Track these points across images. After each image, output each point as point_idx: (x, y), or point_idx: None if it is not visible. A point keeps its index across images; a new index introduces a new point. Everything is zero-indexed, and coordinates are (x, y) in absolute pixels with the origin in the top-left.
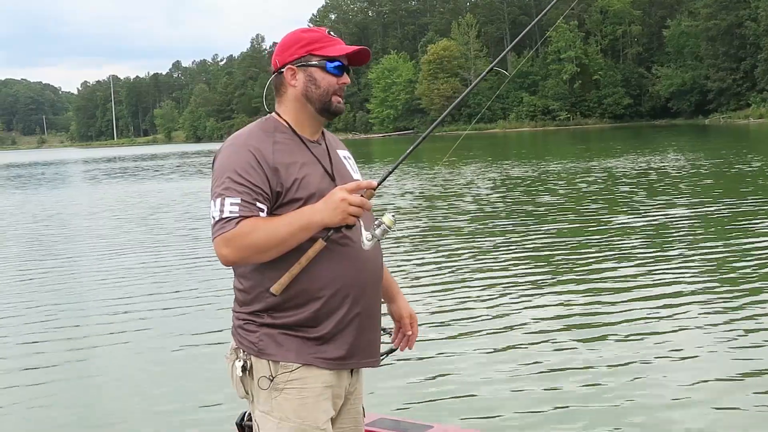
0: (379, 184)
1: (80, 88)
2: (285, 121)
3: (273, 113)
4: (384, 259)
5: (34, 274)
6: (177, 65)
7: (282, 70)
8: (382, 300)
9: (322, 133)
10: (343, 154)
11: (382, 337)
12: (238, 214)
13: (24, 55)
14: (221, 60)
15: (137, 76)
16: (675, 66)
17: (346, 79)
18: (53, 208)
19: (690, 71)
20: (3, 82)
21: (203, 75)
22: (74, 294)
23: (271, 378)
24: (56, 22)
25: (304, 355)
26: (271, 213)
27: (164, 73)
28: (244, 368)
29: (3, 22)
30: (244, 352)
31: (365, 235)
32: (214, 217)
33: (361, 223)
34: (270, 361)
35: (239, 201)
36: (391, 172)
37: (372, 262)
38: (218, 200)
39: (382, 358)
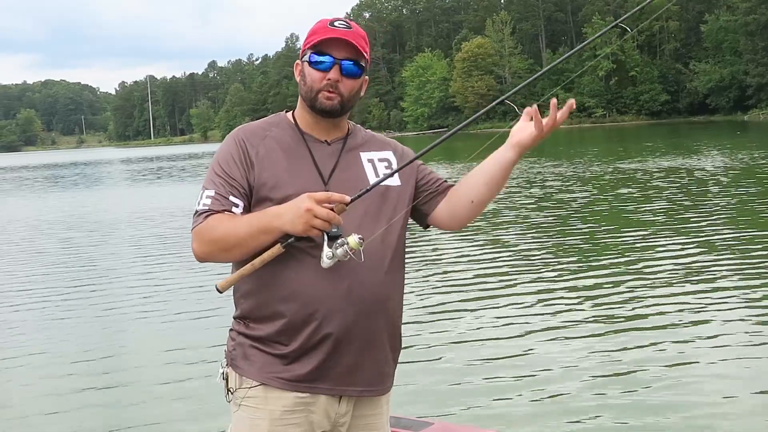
0: (353, 200)
1: (118, 89)
2: (294, 117)
3: (285, 110)
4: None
5: (76, 281)
6: (212, 65)
7: None
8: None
9: (347, 132)
10: (372, 156)
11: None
12: (208, 208)
13: (63, 56)
14: (256, 60)
15: (173, 76)
16: (713, 61)
17: (332, 74)
18: (95, 212)
19: (728, 67)
20: (43, 83)
21: (238, 75)
22: (118, 301)
23: (233, 391)
24: (94, 23)
25: (264, 374)
26: (249, 211)
27: (200, 73)
28: (223, 375)
29: (43, 24)
30: (225, 358)
31: (326, 252)
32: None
33: (326, 237)
34: (237, 374)
35: (213, 194)
36: (370, 189)
37: (358, 277)
38: (201, 191)
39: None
